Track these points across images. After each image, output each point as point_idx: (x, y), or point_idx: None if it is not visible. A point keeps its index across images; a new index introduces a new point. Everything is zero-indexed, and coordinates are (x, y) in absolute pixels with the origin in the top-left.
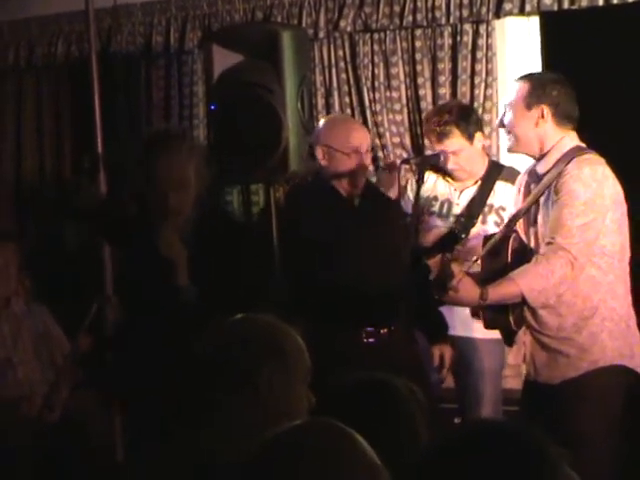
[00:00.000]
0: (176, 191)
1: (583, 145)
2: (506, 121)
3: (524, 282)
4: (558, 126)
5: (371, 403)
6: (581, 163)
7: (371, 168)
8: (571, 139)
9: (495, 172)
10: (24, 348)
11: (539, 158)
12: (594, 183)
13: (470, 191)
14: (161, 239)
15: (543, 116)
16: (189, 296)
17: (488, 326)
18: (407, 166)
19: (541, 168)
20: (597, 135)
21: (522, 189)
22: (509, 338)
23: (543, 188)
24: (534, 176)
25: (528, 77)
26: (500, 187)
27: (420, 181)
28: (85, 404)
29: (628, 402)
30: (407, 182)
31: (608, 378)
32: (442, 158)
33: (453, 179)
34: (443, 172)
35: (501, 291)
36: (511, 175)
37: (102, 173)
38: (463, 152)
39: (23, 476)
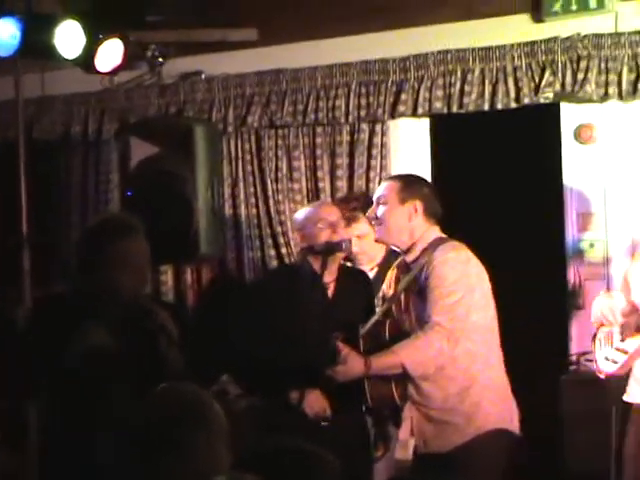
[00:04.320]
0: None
1: (445, 236)
2: (379, 214)
3: (404, 353)
4: (426, 221)
5: (286, 468)
6: (446, 249)
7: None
8: (434, 231)
9: (392, 259)
10: None
11: (406, 250)
12: (459, 265)
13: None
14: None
15: (416, 210)
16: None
17: (374, 403)
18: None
19: (409, 258)
20: (476, 225)
21: (392, 282)
22: (397, 418)
23: (411, 276)
24: (403, 267)
25: (398, 177)
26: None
27: (323, 267)
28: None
29: (510, 463)
30: None
31: (493, 442)
32: (344, 246)
33: (354, 264)
34: (346, 259)
35: (383, 361)
36: None
37: (26, 251)
38: (367, 237)
39: None
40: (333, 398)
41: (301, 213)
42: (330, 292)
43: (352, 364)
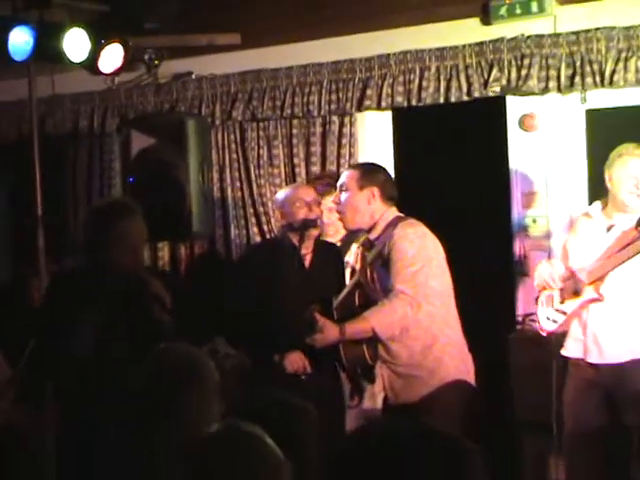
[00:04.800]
0: (135, 252)
1: (402, 215)
2: (342, 200)
3: (374, 319)
4: (384, 203)
5: (272, 417)
6: (404, 226)
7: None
8: (393, 212)
9: (353, 236)
10: None
11: (369, 230)
12: (417, 239)
13: None
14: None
15: (374, 195)
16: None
17: (349, 364)
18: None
19: (372, 235)
20: (433, 204)
21: (359, 258)
22: (369, 376)
23: (376, 251)
24: (367, 244)
25: (357, 166)
26: (354, 248)
27: (301, 241)
28: (23, 416)
29: (467, 410)
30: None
31: (453, 391)
32: (319, 222)
33: (322, 235)
34: (319, 235)
35: (356, 327)
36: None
37: (41, 231)
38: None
39: None
40: (312, 358)
41: (281, 194)
42: (307, 262)
43: (328, 332)
